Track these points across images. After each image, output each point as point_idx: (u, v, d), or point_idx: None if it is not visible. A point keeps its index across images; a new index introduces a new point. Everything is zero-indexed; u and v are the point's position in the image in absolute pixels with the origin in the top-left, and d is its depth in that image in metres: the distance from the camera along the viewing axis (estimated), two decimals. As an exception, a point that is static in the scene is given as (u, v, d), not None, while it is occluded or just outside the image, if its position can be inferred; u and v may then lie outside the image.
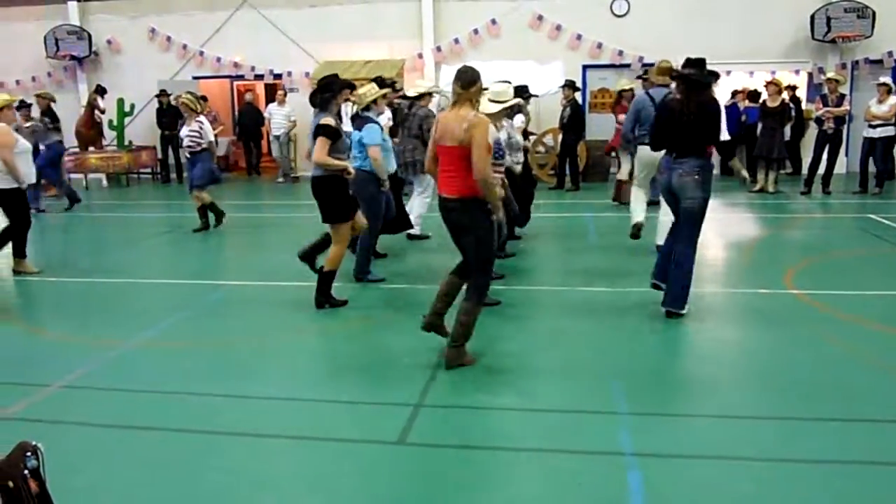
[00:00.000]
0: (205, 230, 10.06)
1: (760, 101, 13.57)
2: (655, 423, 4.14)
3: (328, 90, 6.31)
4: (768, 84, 13.01)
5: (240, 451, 3.87)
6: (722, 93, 15.96)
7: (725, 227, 10.13)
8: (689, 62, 6.06)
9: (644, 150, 7.82)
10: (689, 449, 3.80)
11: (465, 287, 5.10)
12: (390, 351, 5.46)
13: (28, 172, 7.80)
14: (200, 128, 9.79)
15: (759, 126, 12.95)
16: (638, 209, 8.06)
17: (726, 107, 15.48)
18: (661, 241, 7.41)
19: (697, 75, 5.84)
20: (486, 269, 5.00)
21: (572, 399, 4.44)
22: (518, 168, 7.88)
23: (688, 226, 5.87)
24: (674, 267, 5.95)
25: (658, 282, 6.21)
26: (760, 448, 3.79)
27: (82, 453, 3.86)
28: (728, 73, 15.77)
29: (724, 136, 5.94)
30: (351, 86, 6.79)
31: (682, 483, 3.47)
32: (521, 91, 10.94)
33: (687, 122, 5.75)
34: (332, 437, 4.04)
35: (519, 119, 9.36)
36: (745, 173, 6.56)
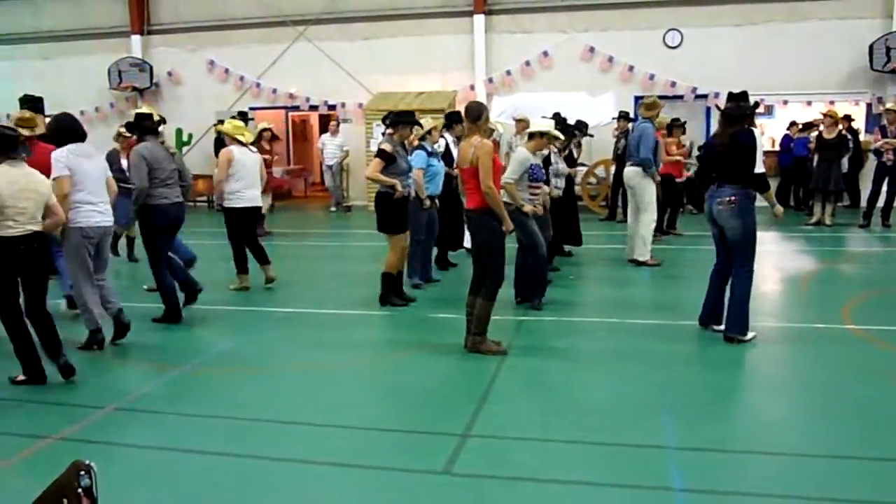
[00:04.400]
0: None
1: (815, 132, 13.30)
2: (706, 458, 4.05)
3: (390, 125, 7.61)
4: (824, 116, 12.76)
5: (287, 477, 3.89)
6: (779, 124, 15.78)
7: (781, 260, 9.92)
8: (730, 96, 6.36)
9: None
10: (742, 486, 3.70)
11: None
12: (437, 379, 5.46)
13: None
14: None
15: (816, 158, 12.69)
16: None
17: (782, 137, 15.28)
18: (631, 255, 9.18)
19: (733, 108, 6.05)
20: (495, 270, 5.73)
21: (622, 432, 4.36)
22: (557, 193, 8.45)
23: (737, 253, 5.97)
24: (731, 293, 6.02)
25: (706, 323, 6.34)
26: (818, 487, 3.68)
27: (132, 475, 3.91)
28: (785, 102, 15.56)
29: (759, 168, 5.90)
30: (410, 123, 7.71)
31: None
32: (580, 127, 11.12)
33: (720, 153, 5.99)
34: (379, 465, 4.04)
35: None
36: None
